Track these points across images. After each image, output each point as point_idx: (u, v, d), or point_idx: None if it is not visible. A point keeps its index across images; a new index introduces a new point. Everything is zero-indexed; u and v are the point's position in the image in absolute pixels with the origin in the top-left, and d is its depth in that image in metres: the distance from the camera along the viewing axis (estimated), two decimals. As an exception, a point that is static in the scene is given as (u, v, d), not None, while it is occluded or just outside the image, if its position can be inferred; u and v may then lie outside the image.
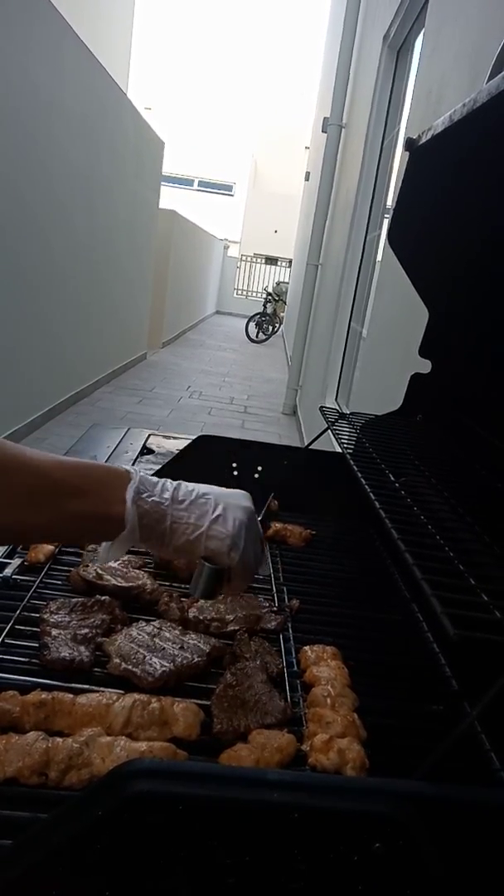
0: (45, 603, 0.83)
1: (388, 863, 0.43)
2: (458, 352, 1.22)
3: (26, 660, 0.73)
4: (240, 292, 19.00)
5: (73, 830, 0.43)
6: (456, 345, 1.22)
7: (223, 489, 0.70)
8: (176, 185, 19.70)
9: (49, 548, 0.96)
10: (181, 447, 1.33)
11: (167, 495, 0.65)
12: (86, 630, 0.77)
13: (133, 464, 1.50)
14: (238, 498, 0.69)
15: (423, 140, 0.92)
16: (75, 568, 0.92)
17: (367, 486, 0.85)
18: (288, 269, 17.17)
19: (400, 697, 0.79)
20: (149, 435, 1.74)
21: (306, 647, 0.82)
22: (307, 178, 10.87)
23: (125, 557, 0.96)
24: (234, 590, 0.71)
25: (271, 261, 19.14)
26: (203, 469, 1.29)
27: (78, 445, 1.64)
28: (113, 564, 0.93)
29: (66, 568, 0.95)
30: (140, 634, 0.78)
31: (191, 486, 0.68)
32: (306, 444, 1.58)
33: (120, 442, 1.66)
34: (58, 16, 4.19)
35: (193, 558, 0.67)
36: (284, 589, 1.01)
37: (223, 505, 0.67)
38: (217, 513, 0.66)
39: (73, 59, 4.56)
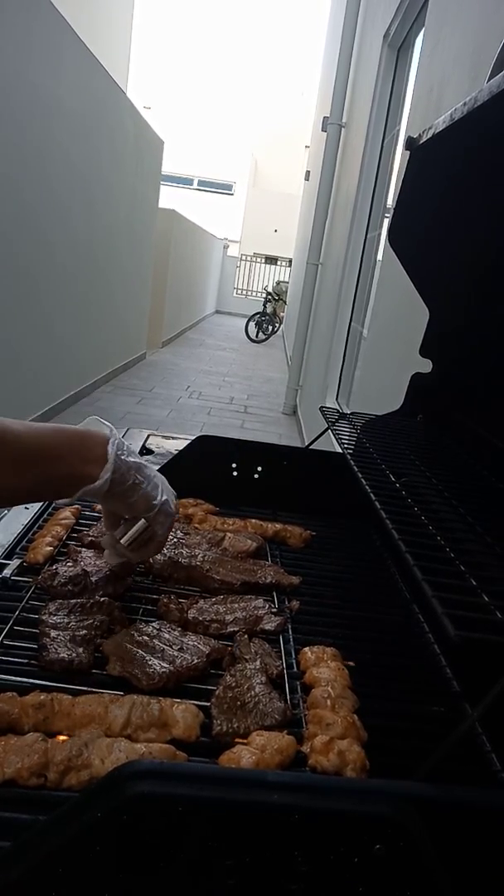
0: (43, 604, 0.83)
1: (388, 864, 0.43)
2: (458, 351, 1.22)
3: (25, 661, 0.73)
4: (240, 292, 19.00)
5: (72, 832, 0.43)
6: (457, 344, 1.22)
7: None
8: (175, 184, 19.69)
9: (48, 549, 0.96)
10: (181, 447, 1.32)
11: (133, 459, 0.78)
12: (84, 631, 0.77)
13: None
14: (166, 483, 0.85)
15: (424, 139, 0.92)
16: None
17: (367, 487, 0.85)
18: (288, 269, 17.17)
19: (400, 699, 0.79)
20: (148, 435, 1.74)
21: (306, 649, 0.81)
22: (307, 178, 10.87)
23: None
24: (150, 552, 0.86)
25: (271, 260, 19.14)
26: (203, 469, 1.29)
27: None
28: None
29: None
30: (139, 636, 0.78)
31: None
32: (306, 444, 1.58)
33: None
34: (58, 16, 4.19)
35: (136, 515, 0.82)
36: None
37: (166, 489, 0.84)
38: (165, 496, 0.82)
39: (72, 58, 4.56)
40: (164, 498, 0.82)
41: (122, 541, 0.83)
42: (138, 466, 0.79)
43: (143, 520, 0.82)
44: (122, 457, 0.76)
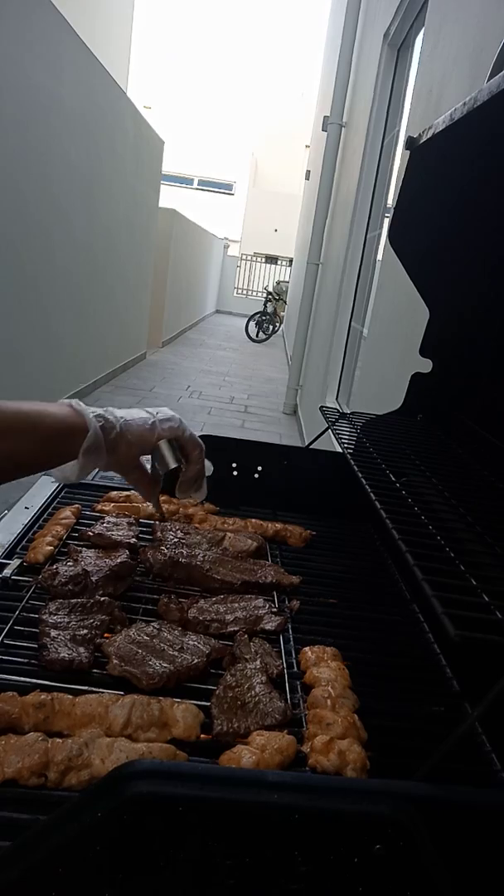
0: (44, 603, 0.83)
1: (388, 864, 0.43)
2: (458, 351, 1.22)
3: (25, 660, 0.73)
4: (240, 291, 18.99)
5: (72, 831, 0.43)
6: (457, 344, 1.22)
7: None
8: (176, 183, 19.69)
9: (48, 548, 0.96)
10: (181, 447, 1.32)
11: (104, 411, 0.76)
12: (85, 631, 0.77)
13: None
14: (166, 412, 0.83)
15: (424, 139, 0.91)
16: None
17: (367, 486, 0.85)
18: (288, 268, 17.16)
19: (400, 698, 0.79)
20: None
21: (306, 648, 0.81)
22: (307, 177, 10.86)
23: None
24: (195, 461, 0.84)
25: (271, 260, 19.12)
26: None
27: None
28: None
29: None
30: (139, 635, 0.78)
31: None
32: (307, 443, 1.58)
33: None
34: (58, 16, 4.18)
35: (148, 445, 0.80)
36: (284, 589, 1.01)
37: (151, 409, 0.82)
38: (155, 411, 0.81)
39: (72, 58, 4.56)
40: (162, 425, 0.80)
41: (170, 465, 0.81)
42: (123, 420, 0.77)
43: (161, 442, 0.81)
44: (93, 412, 0.75)
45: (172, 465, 0.82)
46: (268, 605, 0.91)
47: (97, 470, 0.82)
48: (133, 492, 1.22)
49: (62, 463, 0.74)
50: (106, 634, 0.79)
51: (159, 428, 0.80)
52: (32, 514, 1.10)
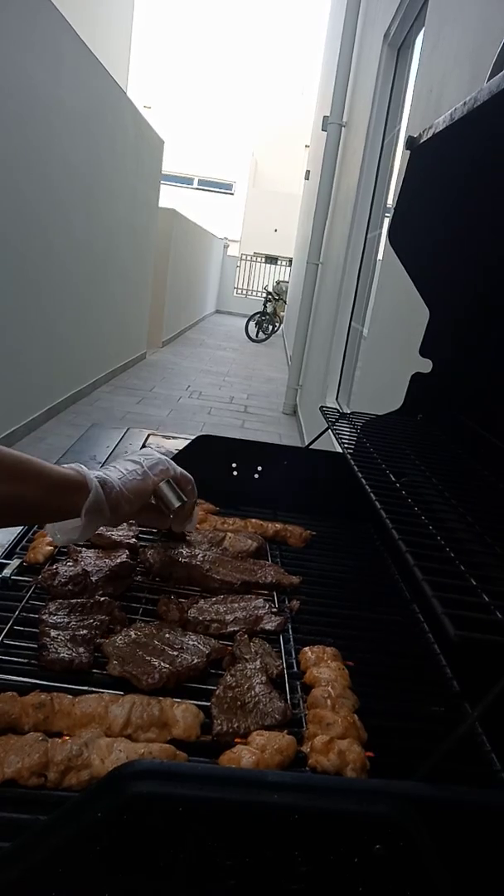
0: (43, 604, 0.83)
1: (388, 864, 0.43)
2: (459, 351, 1.22)
3: (25, 660, 0.73)
4: (240, 291, 19.00)
5: (72, 832, 0.43)
6: (457, 344, 1.22)
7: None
8: (176, 183, 19.70)
9: (48, 548, 0.96)
10: (181, 447, 1.32)
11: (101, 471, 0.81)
12: (84, 631, 0.77)
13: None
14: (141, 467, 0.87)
15: (424, 138, 0.91)
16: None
17: (367, 486, 0.85)
18: (288, 268, 17.17)
19: (400, 699, 0.79)
20: (148, 435, 1.74)
21: (306, 648, 0.81)
22: (307, 177, 10.87)
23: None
24: (190, 495, 0.91)
25: (271, 260, 19.13)
26: (203, 469, 1.28)
27: (77, 445, 1.64)
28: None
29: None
30: (139, 635, 0.78)
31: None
32: (307, 444, 1.58)
33: (119, 442, 1.66)
34: (58, 16, 4.18)
35: (147, 494, 0.85)
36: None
37: (139, 457, 0.87)
38: (140, 458, 0.86)
39: (72, 58, 4.56)
40: (153, 471, 0.86)
41: (175, 504, 0.87)
42: (119, 477, 0.82)
43: (161, 482, 0.86)
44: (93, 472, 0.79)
45: (176, 503, 0.86)
46: (268, 606, 0.91)
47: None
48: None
49: (65, 516, 0.77)
50: (106, 635, 0.79)
51: (152, 475, 0.85)
52: (32, 513, 1.10)
